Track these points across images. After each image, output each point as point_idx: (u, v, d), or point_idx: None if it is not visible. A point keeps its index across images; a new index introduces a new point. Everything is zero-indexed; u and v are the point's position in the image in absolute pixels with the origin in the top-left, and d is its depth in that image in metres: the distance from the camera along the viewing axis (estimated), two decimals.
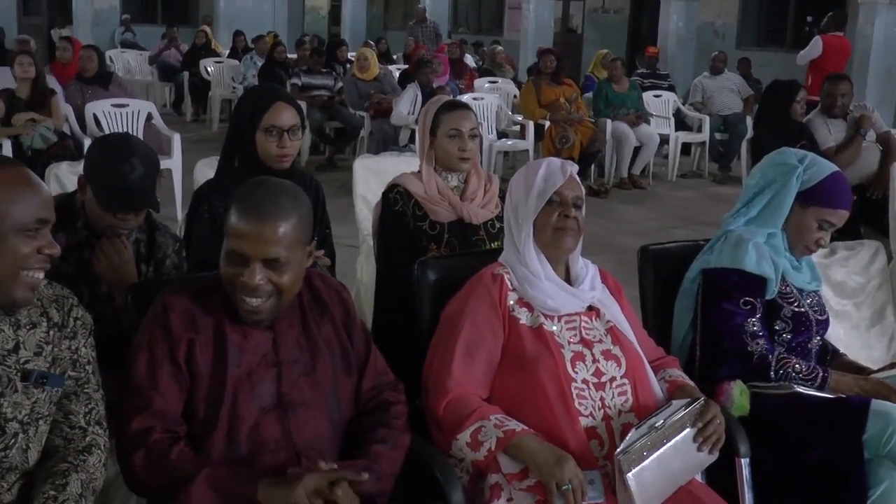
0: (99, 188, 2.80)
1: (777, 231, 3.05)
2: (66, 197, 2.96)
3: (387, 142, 9.46)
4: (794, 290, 3.06)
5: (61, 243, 2.77)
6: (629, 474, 2.36)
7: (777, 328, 2.98)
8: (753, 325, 2.93)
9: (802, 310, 3.05)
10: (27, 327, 2.08)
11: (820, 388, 2.91)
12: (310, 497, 2.11)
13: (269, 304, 2.28)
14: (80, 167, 4.31)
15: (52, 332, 2.12)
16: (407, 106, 9.43)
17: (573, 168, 2.75)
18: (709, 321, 3.00)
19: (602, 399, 2.57)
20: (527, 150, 9.87)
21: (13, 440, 2.02)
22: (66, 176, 4.37)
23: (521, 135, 10.04)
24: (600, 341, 2.66)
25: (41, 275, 2.02)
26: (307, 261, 2.37)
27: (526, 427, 2.48)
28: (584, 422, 2.52)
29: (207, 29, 15.52)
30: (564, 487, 2.36)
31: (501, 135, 10.18)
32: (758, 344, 2.91)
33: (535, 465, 2.42)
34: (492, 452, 2.45)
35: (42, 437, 2.11)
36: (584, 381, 2.57)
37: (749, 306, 2.95)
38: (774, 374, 2.89)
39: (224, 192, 3.20)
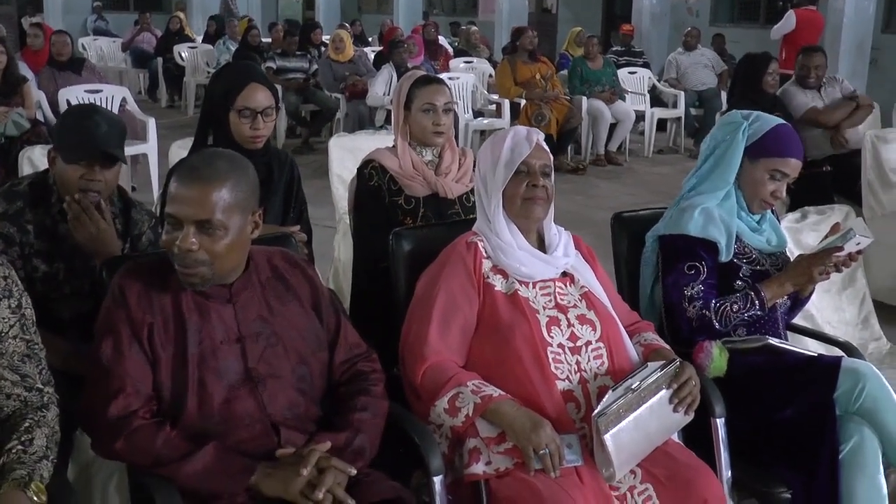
0: (65, 147, 2.81)
1: (731, 190, 3.08)
2: (39, 175, 2.97)
3: (363, 123, 9.47)
4: (753, 251, 3.09)
5: (35, 220, 2.81)
6: (606, 435, 2.39)
7: (737, 287, 3.01)
8: (692, 289, 2.95)
9: (762, 268, 3.07)
10: None
11: (763, 309, 2.95)
12: (304, 492, 2.13)
13: (201, 271, 2.24)
14: None
15: None
16: (382, 87, 9.43)
17: (539, 136, 2.75)
18: (663, 288, 3.05)
19: (578, 363, 2.59)
20: (503, 129, 9.84)
21: None
22: (39, 159, 4.36)
23: (497, 114, 10.06)
24: (575, 306, 2.68)
25: None
26: (252, 231, 2.34)
27: (503, 392, 2.50)
28: (561, 385, 2.55)
29: (181, 15, 15.42)
30: (542, 452, 2.38)
31: (477, 114, 10.19)
32: (694, 307, 2.93)
33: (511, 430, 2.44)
34: (469, 418, 2.47)
35: None
36: (560, 346, 2.59)
37: (693, 271, 2.97)
38: (719, 324, 2.92)
39: None
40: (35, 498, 2.01)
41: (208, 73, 12.82)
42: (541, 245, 2.78)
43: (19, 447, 2.09)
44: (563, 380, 2.56)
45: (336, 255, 4.81)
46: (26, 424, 2.14)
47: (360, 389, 2.46)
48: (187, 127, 10.41)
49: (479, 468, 2.47)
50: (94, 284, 2.82)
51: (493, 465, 2.46)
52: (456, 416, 2.48)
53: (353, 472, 2.20)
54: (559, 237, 2.80)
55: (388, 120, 9.31)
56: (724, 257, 3.00)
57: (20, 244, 2.80)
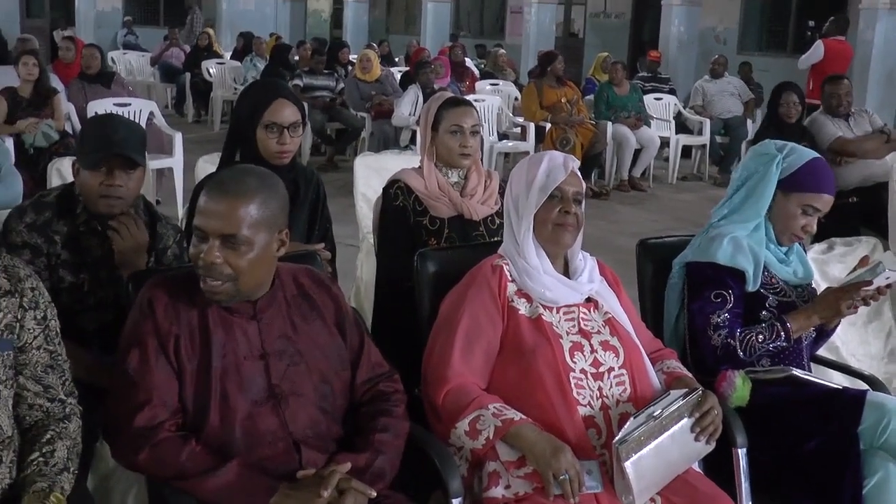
0: (86, 154, 2.83)
1: (761, 221, 3.06)
2: (66, 187, 2.99)
3: (387, 143, 9.49)
4: (780, 282, 3.07)
5: (62, 231, 2.83)
6: (627, 462, 2.37)
7: (763, 318, 2.99)
8: (718, 317, 2.93)
9: (788, 299, 3.06)
10: None
11: (788, 340, 2.93)
12: None
13: (226, 287, 2.25)
14: None
15: (2, 301, 2.13)
16: (408, 107, 9.46)
17: (574, 163, 2.75)
18: (688, 315, 3.04)
19: (600, 389, 2.58)
20: (527, 152, 9.86)
21: None
22: (68, 171, 4.37)
23: (522, 136, 10.07)
24: (598, 332, 2.67)
25: None
26: (278, 249, 2.35)
27: (524, 416, 2.49)
28: (582, 411, 2.53)
29: (210, 31, 15.56)
30: (561, 477, 2.37)
31: (502, 136, 10.21)
32: (719, 336, 2.91)
33: (532, 454, 2.43)
34: (490, 441, 2.46)
35: (8, 403, 2.14)
36: (583, 371, 2.58)
37: (720, 299, 2.96)
38: (744, 353, 2.90)
39: None
40: None
41: (235, 89, 12.93)
42: (566, 270, 2.77)
43: (40, 459, 2.10)
44: (585, 405, 2.55)
45: (359, 275, 4.82)
46: (48, 436, 2.15)
47: (382, 410, 2.46)
48: (213, 142, 10.48)
49: (498, 492, 2.46)
50: (117, 296, 2.84)
51: (512, 489, 2.45)
52: (476, 438, 2.47)
53: (374, 494, 2.20)
54: (584, 263, 2.79)
55: (412, 140, 9.33)
56: (752, 287, 2.98)
57: (47, 255, 2.82)
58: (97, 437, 2.50)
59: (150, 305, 2.29)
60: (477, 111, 3.74)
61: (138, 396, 2.23)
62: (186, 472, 2.17)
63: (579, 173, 2.76)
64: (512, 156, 10.53)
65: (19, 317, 2.14)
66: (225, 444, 2.24)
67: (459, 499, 2.41)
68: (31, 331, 2.17)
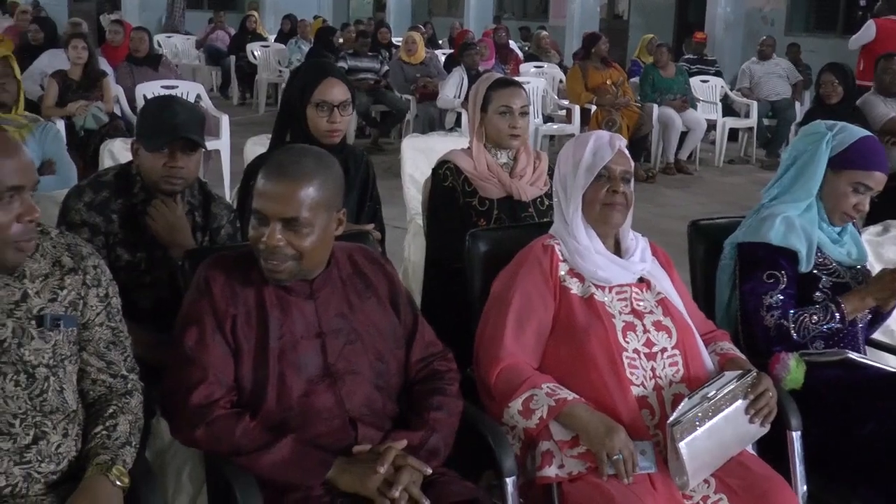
0: (147, 137, 2.86)
1: (812, 201, 3.03)
2: (123, 166, 3.02)
3: (433, 125, 9.49)
4: (833, 263, 3.04)
5: (119, 210, 2.87)
6: (681, 443, 2.37)
7: (816, 299, 2.96)
8: (771, 298, 2.91)
9: (843, 280, 3.02)
10: (39, 278, 2.12)
11: (843, 322, 2.89)
12: (380, 489, 2.15)
13: (288, 265, 2.27)
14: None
15: (67, 279, 2.16)
16: (453, 89, 9.46)
17: (621, 142, 2.74)
18: (740, 296, 3.01)
19: (653, 369, 2.57)
20: (573, 135, 9.80)
21: (46, 383, 2.08)
22: (119, 152, 4.44)
23: (567, 119, 10.04)
24: (651, 312, 2.66)
25: (29, 241, 2.04)
26: (336, 228, 2.37)
27: (577, 396, 2.49)
28: (636, 391, 2.53)
29: (256, 14, 15.63)
30: (615, 457, 2.37)
31: (547, 119, 10.18)
32: (772, 316, 2.89)
33: (586, 434, 2.43)
34: (543, 420, 2.47)
35: (72, 378, 2.17)
36: (636, 351, 2.57)
37: (772, 279, 2.93)
38: (797, 335, 2.87)
39: None
40: (118, 482, 2.05)
41: (280, 71, 13.00)
42: (617, 250, 2.76)
43: (103, 432, 2.14)
44: (638, 386, 2.54)
45: (406, 256, 4.83)
46: (111, 410, 2.19)
47: (436, 388, 2.47)
48: (258, 124, 10.55)
49: (551, 471, 2.46)
50: (173, 274, 2.87)
51: (565, 469, 2.45)
52: (530, 418, 2.48)
53: (429, 471, 2.22)
54: (636, 243, 2.78)
55: (457, 122, 9.34)
56: (805, 267, 2.95)
57: (105, 233, 2.86)
58: (154, 413, 2.54)
59: (208, 284, 2.31)
60: (526, 92, 3.73)
61: (195, 374, 2.26)
62: (242, 448, 2.20)
63: (627, 151, 2.75)
64: (557, 138, 10.50)
65: (83, 294, 2.17)
66: (282, 421, 2.27)
67: (513, 478, 2.41)
68: (94, 308, 2.20)
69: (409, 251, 4.83)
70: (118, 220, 2.89)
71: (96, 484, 2.03)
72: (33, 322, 2.08)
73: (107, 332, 2.23)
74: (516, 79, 9.53)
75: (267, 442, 2.20)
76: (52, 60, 7.72)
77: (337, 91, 3.29)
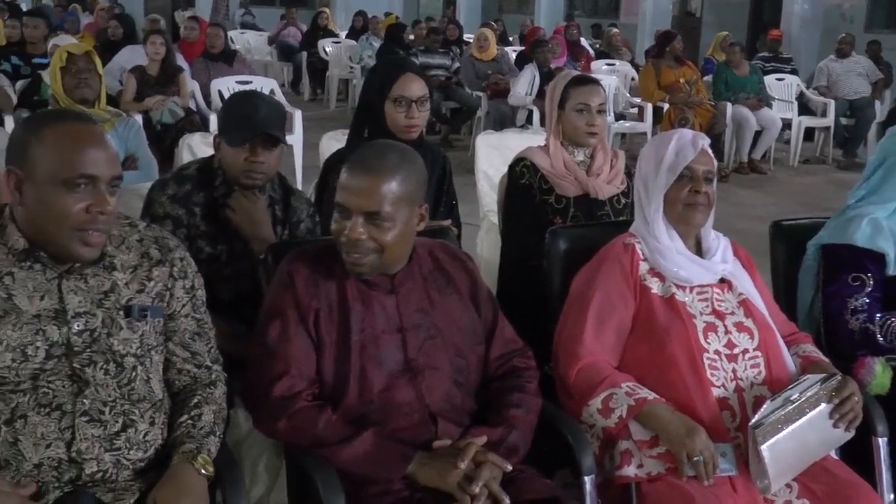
0: (229, 131, 2.90)
1: None
2: (205, 160, 3.06)
3: (504, 122, 9.47)
4: None
5: (201, 203, 2.91)
6: (763, 446, 2.34)
7: None
8: (856, 301, 2.85)
9: None
10: (128, 270, 2.15)
11: None
12: (460, 484, 2.16)
13: (369, 258, 2.28)
14: (211, 138, 4.48)
15: (154, 270, 2.19)
16: (525, 86, 9.44)
17: (705, 141, 2.70)
18: (823, 298, 2.96)
19: (734, 371, 2.54)
20: (645, 133, 9.78)
21: (133, 373, 2.12)
22: (197, 146, 4.49)
23: (640, 117, 9.96)
24: (732, 313, 2.63)
25: (98, 235, 2.04)
26: (418, 223, 2.37)
27: (657, 396, 2.47)
28: (716, 392, 2.50)
29: (327, 10, 15.76)
30: (696, 458, 2.35)
31: (619, 117, 10.11)
32: (857, 320, 2.84)
33: (666, 434, 2.41)
34: (623, 420, 2.45)
35: (158, 367, 2.21)
36: (716, 352, 2.55)
37: (858, 282, 2.88)
38: (883, 339, 2.81)
39: None
40: (202, 470, 2.08)
41: (351, 68, 13.08)
42: (698, 250, 2.73)
43: (189, 421, 2.17)
44: (719, 387, 2.52)
45: (479, 252, 4.82)
46: (195, 400, 2.22)
47: (515, 385, 2.46)
48: (329, 119, 10.64)
49: (630, 470, 2.45)
50: (253, 267, 2.90)
51: (644, 469, 2.44)
52: (609, 416, 2.47)
53: (509, 468, 2.21)
54: (718, 243, 2.75)
55: (529, 119, 9.32)
56: (892, 270, 2.90)
57: (187, 226, 2.90)
58: (232, 404, 2.57)
59: (291, 278, 2.33)
60: (604, 89, 3.70)
61: (277, 367, 2.28)
62: (323, 440, 2.22)
63: (710, 151, 2.71)
64: (629, 136, 10.42)
65: (169, 286, 2.21)
66: (362, 414, 2.28)
67: (592, 476, 2.40)
68: (180, 299, 2.23)
69: (481, 248, 4.82)
70: (200, 213, 2.93)
71: (182, 472, 2.06)
72: (121, 312, 2.11)
73: (192, 324, 2.27)
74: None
75: (348, 435, 2.22)
76: (130, 56, 7.85)
77: (415, 87, 3.30)
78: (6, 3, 11.49)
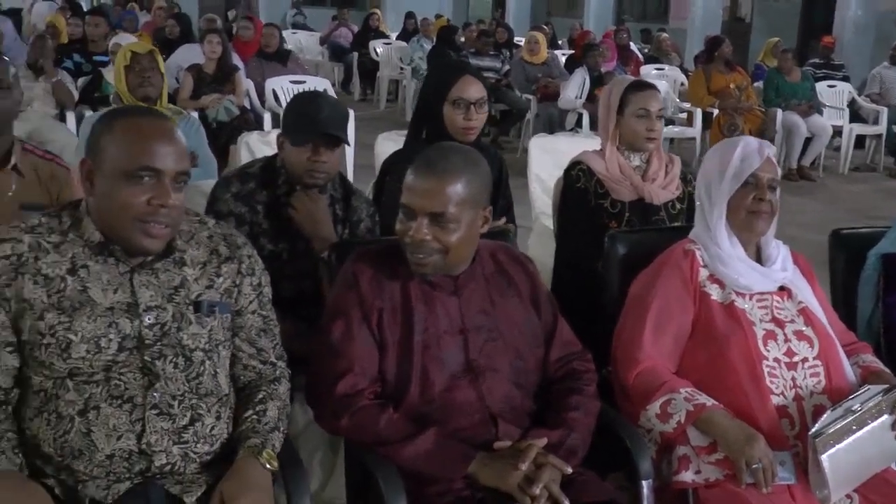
0: (292, 131, 2.94)
1: None
2: (268, 159, 3.11)
3: (553, 125, 9.47)
4: None
5: (264, 201, 2.95)
6: (823, 456, 2.33)
7: None
8: None
9: None
10: (198, 266, 2.19)
11: None
12: (521, 486, 2.17)
13: (433, 259, 2.30)
14: (269, 136, 4.55)
15: (223, 267, 2.22)
16: (575, 90, 9.43)
17: (770, 149, 2.70)
18: (884, 308, 2.94)
19: (793, 379, 2.54)
20: (694, 138, 9.74)
21: (202, 367, 2.15)
22: (255, 144, 4.57)
23: (689, 122, 9.91)
24: (792, 321, 2.63)
25: (160, 228, 2.07)
26: (482, 226, 2.39)
27: (716, 402, 2.47)
28: (775, 400, 2.50)
29: (378, 11, 15.86)
30: (755, 466, 2.35)
31: (668, 122, 10.03)
32: None
33: (724, 441, 2.42)
34: (681, 425, 2.46)
35: (226, 363, 2.24)
36: (776, 360, 2.54)
37: None
38: None
39: (410, 162, 3.30)
40: (267, 465, 2.11)
41: (401, 69, 13.14)
42: (759, 257, 2.73)
43: (254, 417, 2.20)
44: (778, 395, 2.51)
45: (530, 255, 4.82)
46: (260, 395, 2.25)
47: (574, 388, 2.48)
48: (378, 119, 10.69)
49: (688, 476, 2.45)
50: (313, 266, 2.95)
51: (702, 475, 2.44)
52: (667, 421, 2.48)
53: (569, 470, 2.22)
54: (778, 251, 2.74)
55: (578, 123, 9.30)
56: None
57: (250, 223, 2.95)
58: (290, 400, 2.60)
59: (355, 278, 2.37)
60: (661, 95, 3.70)
61: (340, 365, 2.31)
62: (385, 438, 2.25)
63: (774, 159, 2.71)
64: (677, 141, 10.36)
65: (237, 282, 2.24)
66: (423, 414, 2.31)
67: (650, 481, 2.41)
68: (248, 296, 2.27)
69: (533, 250, 4.82)
70: (263, 211, 2.97)
71: (248, 466, 2.10)
72: (191, 307, 2.15)
73: (258, 320, 2.30)
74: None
75: (410, 433, 2.24)
76: (186, 55, 7.95)
77: (473, 89, 3.32)
78: (67, 1, 11.70)
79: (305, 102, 3.03)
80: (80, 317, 2.04)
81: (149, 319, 2.09)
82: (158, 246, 2.10)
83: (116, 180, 2.03)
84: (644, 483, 2.40)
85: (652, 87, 3.66)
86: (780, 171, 2.75)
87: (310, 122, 2.89)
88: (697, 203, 2.78)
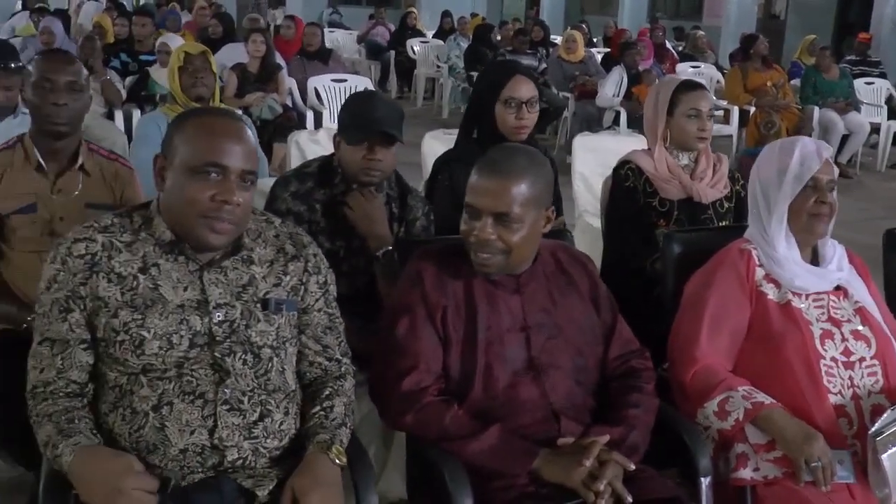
0: (348, 130, 2.98)
1: None
2: (325, 158, 3.15)
3: (590, 123, 9.47)
4: None
5: (321, 200, 2.99)
6: (884, 455, 2.35)
7: None
8: None
9: None
10: (265, 264, 2.23)
11: None
12: (586, 483, 2.20)
13: (496, 259, 2.34)
14: (318, 135, 4.60)
15: (290, 265, 2.27)
16: (612, 88, 9.44)
17: (827, 150, 2.70)
18: None
19: (851, 378, 2.55)
20: (730, 136, 9.71)
21: (269, 364, 2.18)
22: (305, 143, 4.63)
23: (725, 120, 9.87)
24: (849, 321, 2.64)
25: (224, 224, 2.11)
26: (544, 226, 2.42)
27: (774, 401, 2.49)
28: (833, 399, 2.51)
29: (415, 11, 15.93)
30: (814, 464, 2.36)
31: None
32: None
33: (783, 439, 2.43)
34: (739, 423, 2.48)
35: (293, 359, 2.27)
36: (833, 360, 2.56)
37: None
38: None
39: (463, 161, 3.34)
40: (336, 460, 2.15)
41: (438, 67, 13.19)
42: (814, 257, 2.74)
43: (321, 413, 2.24)
44: (836, 394, 2.52)
45: None
46: (327, 392, 2.29)
47: (633, 386, 2.50)
48: (415, 117, 10.72)
49: (746, 473, 2.47)
50: (369, 263, 2.99)
51: (760, 472, 2.46)
52: (725, 419, 2.50)
53: (632, 467, 2.25)
54: (834, 250, 2.75)
55: (615, 121, 9.30)
56: None
57: (308, 222, 2.99)
58: None
59: (420, 276, 2.41)
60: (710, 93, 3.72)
61: (406, 362, 2.35)
62: (450, 434, 2.28)
63: (831, 161, 2.72)
64: (713, 139, 10.31)
65: (304, 280, 2.28)
66: (487, 410, 2.34)
67: (709, 478, 2.43)
68: (314, 294, 2.31)
69: (578, 248, 4.85)
70: (321, 210, 3.02)
71: (317, 461, 2.13)
72: (259, 305, 2.19)
73: (324, 318, 2.33)
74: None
75: (475, 430, 2.28)
76: (230, 54, 8.01)
77: (525, 88, 3.36)
78: (113, 2, 11.83)
79: (361, 102, 3.08)
80: (153, 314, 2.09)
81: (218, 316, 2.13)
82: (223, 242, 2.15)
83: (184, 175, 2.09)
84: (703, 480, 2.42)
85: (702, 87, 3.67)
86: (836, 171, 2.75)
87: (365, 121, 2.94)
88: (751, 205, 2.78)
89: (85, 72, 3.04)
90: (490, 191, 2.30)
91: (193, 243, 2.14)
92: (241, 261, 2.21)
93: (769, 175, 2.70)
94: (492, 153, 2.41)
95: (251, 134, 2.20)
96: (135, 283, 2.10)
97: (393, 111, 3.03)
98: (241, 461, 2.11)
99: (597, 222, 4.53)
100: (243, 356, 2.14)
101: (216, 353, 2.11)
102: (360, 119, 2.96)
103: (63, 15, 10.86)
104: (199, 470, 2.08)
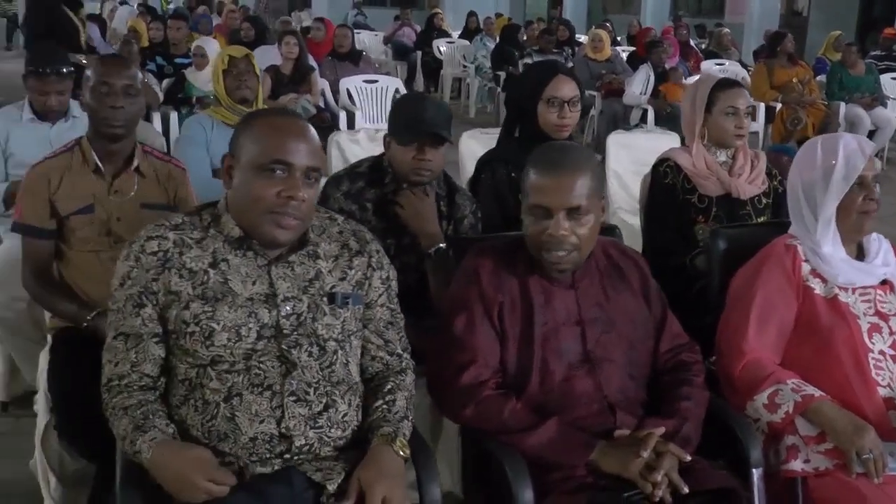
0: (399, 131, 3.05)
1: None
2: (376, 158, 3.22)
3: (616, 121, 9.50)
4: None
5: (372, 199, 3.06)
6: None
7: None
8: None
9: None
10: (331, 259, 2.30)
11: None
12: (643, 474, 2.24)
13: (571, 256, 2.39)
14: (357, 135, 4.67)
15: (354, 260, 2.33)
16: (639, 86, 9.47)
17: (870, 146, 2.73)
18: None
19: None
20: (757, 132, 9.70)
21: (334, 356, 2.24)
22: (344, 143, 4.71)
23: (751, 116, 9.86)
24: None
25: (290, 219, 2.17)
26: (602, 216, 2.47)
27: (823, 393, 2.52)
28: (882, 392, 2.54)
29: (441, 11, 16.01)
30: (865, 456, 2.39)
31: None
32: None
33: (833, 431, 2.46)
34: (789, 415, 2.51)
35: (357, 352, 2.33)
36: (881, 353, 2.59)
37: None
38: None
39: (505, 161, 3.41)
40: (400, 452, 2.21)
41: (464, 66, 13.25)
42: (859, 251, 2.77)
43: (384, 406, 2.29)
44: (885, 387, 2.56)
45: None
46: (389, 386, 2.34)
47: (684, 379, 2.54)
48: None
49: (797, 465, 2.51)
50: (419, 260, 3.06)
51: (811, 464, 2.49)
52: (775, 412, 2.53)
53: (688, 458, 2.29)
54: (879, 245, 2.78)
55: (643, 119, 9.33)
56: None
57: (359, 221, 3.03)
58: None
59: (476, 273, 2.46)
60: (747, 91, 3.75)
61: (464, 356, 2.41)
62: (509, 427, 2.34)
63: (874, 156, 2.75)
64: None
65: (368, 275, 2.34)
66: (543, 403, 2.39)
67: (760, 469, 2.47)
68: (377, 289, 2.36)
69: None
70: (371, 209, 3.08)
71: (382, 454, 2.19)
72: (325, 299, 2.25)
73: (386, 313, 2.39)
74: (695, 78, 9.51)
75: (533, 423, 2.33)
76: (263, 56, 8.04)
77: (567, 88, 3.40)
78: (146, 6, 11.93)
79: (411, 104, 3.14)
80: (222, 307, 2.15)
81: (286, 309, 2.19)
82: (289, 237, 2.21)
83: (251, 173, 2.16)
84: (754, 471, 2.46)
85: (739, 84, 3.71)
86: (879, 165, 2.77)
87: (415, 122, 3.00)
88: (793, 203, 2.79)
89: (140, 75, 3.11)
90: (559, 187, 2.35)
91: (260, 239, 2.20)
92: (308, 255, 2.27)
93: (813, 176, 2.70)
94: (545, 153, 2.46)
95: (314, 133, 2.26)
96: (205, 277, 2.17)
97: (442, 112, 3.10)
98: (307, 447, 2.17)
99: (631, 219, 4.59)
100: (309, 348, 2.20)
101: (283, 346, 2.17)
102: (410, 120, 3.02)
103: (99, 20, 10.98)
104: (268, 457, 2.14)
